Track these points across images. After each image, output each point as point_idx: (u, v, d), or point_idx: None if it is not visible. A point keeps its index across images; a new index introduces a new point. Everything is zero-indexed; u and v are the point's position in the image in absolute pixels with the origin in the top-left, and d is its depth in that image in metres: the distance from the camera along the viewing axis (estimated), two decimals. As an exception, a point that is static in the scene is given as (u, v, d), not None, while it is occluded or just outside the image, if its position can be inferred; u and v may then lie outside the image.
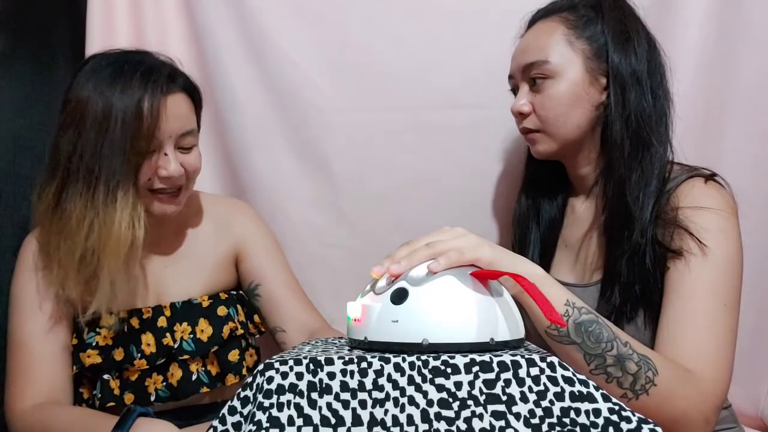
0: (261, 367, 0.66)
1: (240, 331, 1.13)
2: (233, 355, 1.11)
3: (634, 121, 0.96)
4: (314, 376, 0.65)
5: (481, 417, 0.62)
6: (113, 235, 0.96)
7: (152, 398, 1.06)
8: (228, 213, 1.21)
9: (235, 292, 1.19)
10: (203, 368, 1.09)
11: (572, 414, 0.63)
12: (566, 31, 1.01)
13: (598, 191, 1.04)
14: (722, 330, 0.88)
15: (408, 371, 0.64)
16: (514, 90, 1.09)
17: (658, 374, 0.81)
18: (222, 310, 1.12)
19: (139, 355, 1.05)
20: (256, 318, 1.19)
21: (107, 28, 1.37)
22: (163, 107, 1.00)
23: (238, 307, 1.16)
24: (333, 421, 0.63)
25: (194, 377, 1.08)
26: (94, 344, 1.05)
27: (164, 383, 1.06)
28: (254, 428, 0.62)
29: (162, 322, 1.08)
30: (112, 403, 1.04)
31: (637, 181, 0.95)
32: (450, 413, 0.63)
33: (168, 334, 1.07)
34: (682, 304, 0.89)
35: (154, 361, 1.06)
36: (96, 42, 1.36)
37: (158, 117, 0.99)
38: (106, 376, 1.05)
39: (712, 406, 0.84)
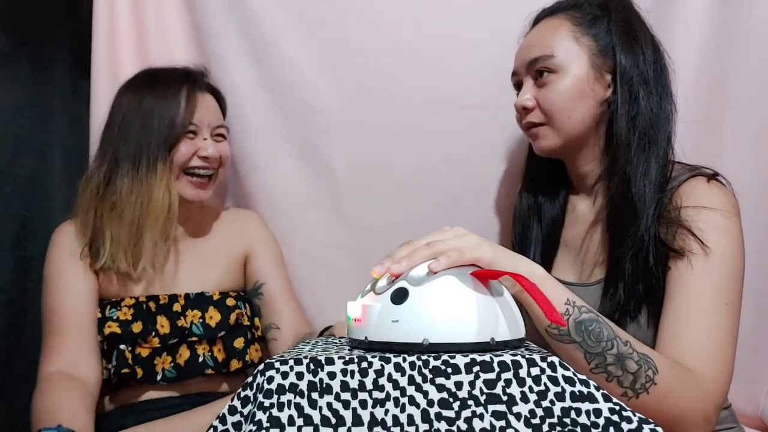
0: (261, 367, 0.66)
1: (246, 321, 1.22)
2: (239, 342, 1.19)
3: (641, 121, 0.97)
4: (314, 376, 0.65)
5: (481, 417, 0.62)
6: (152, 203, 1.14)
7: (158, 377, 1.13)
8: (242, 222, 1.34)
9: (243, 293, 1.28)
10: (210, 353, 1.17)
11: (573, 414, 0.63)
12: (572, 27, 1.02)
13: (601, 188, 1.04)
14: (724, 329, 0.88)
15: (408, 371, 0.64)
16: (518, 86, 1.09)
17: (658, 373, 0.81)
18: (230, 302, 1.22)
19: (153, 333, 1.14)
20: (256, 321, 1.26)
21: (110, 32, 1.39)
22: (200, 97, 1.20)
23: (246, 305, 1.25)
24: (333, 421, 0.63)
25: (200, 359, 1.16)
26: (114, 318, 1.14)
27: (172, 363, 1.14)
28: (254, 428, 0.62)
29: (176, 308, 1.17)
30: (126, 370, 1.11)
31: (641, 177, 0.95)
32: (450, 413, 0.62)
33: (182, 317, 1.16)
34: (684, 303, 0.89)
35: (167, 341, 1.14)
36: (101, 46, 1.38)
37: (195, 103, 1.18)
38: (122, 347, 1.12)
39: (713, 404, 0.84)
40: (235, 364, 1.17)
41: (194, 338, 1.16)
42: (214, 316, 1.18)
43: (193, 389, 1.16)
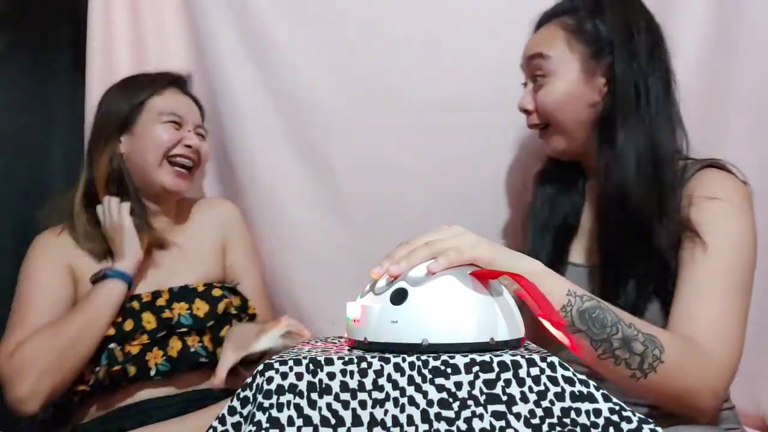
0: (261, 367, 0.66)
1: (234, 310, 1.20)
2: (225, 332, 1.16)
3: (637, 121, 0.98)
4: (314, 377, 0.65)
5: (481, 417, 0.62)
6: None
7: (152, 372, 1.12)
8: (219, 211, 1.35)
9: (229, 285, 1.27)
10: (200, 344, 1.16)
11: (573, 414, 0.63)
12: (566, 34, 1.04)
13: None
14: (735, 311, 0.91)
15: (408, 371, 0.64)
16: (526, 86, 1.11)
17: (664, 351, 0.82)
18: (217, 292, 1.21)
19: (141, 330, 1.13)
20: (251, 309, 1.25)
21: (106, 33, 1.38)
22: (185, 97, 1.29)
23: (232, 294, 1.24)
24: (333, 421, 0.63)
25: (192, 350, 1.15)
26: None
27: (164, 357, 1.13)
28: (254, 429, 0.62)
29: (161, 302, 1.17)
30: (117, 367, 1.10)
31: (636, 176, 0.97)
32: (450, 413, 0.62)
33: (167, 310, 1.15)
34: (697, 286, 0.91)
35: (155, 335, 1.13)
36: (96, 45, 1.37)
37: (180, 98, 1.27)
38: (111, 345, 1.12)
39: (723, 379, 0.87)
40: None
41: (183, 329, 1.15)
42: (201, 307, 1.17)
43: (189, 385, 1.15)
